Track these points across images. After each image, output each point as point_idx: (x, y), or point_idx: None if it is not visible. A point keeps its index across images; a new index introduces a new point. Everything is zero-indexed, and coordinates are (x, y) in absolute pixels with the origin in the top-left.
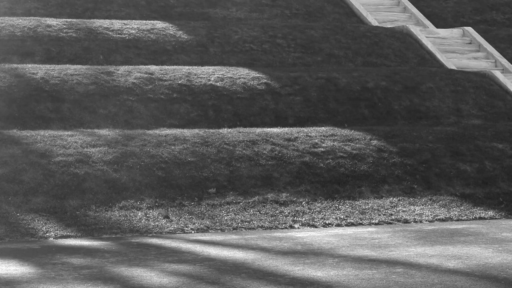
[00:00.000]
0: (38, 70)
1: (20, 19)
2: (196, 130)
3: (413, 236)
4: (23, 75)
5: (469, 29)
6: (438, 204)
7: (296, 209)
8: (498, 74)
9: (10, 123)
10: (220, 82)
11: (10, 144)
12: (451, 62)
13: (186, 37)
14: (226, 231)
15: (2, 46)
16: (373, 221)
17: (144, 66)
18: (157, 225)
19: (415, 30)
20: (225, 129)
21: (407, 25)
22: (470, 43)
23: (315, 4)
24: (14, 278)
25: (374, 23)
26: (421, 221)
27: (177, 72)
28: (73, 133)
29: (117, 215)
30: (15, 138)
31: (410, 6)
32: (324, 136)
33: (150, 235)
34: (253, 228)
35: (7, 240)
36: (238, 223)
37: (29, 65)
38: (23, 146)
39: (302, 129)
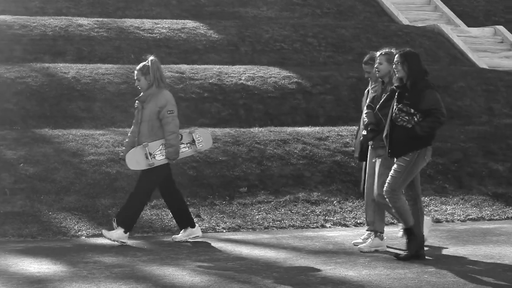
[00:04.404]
0: (70, 69)
1: (52, 18)
2: (227, 129)
3: (445, 235)
4: (54, 74)
5: (501, 27)
6: (470, 203)
7: (328, 208)
8: None
9: (42, 122)
10: (251, 81)
11: (42, 143)
12: (482, 61)
13: (217, 36)
14: (257, 230)
15: (34, 46)
16: None
17: (175, 66)
18: None
19: (446, 29)
20: (256, 128)
21: (438, 24)
22: (502, 42)
23: (346, 3)
24: (47, 276)
25: (405, 22)
26: (453, 221)
27: (208, 71)
28: (105, 132)
29: (149, 214)
30: (47, 137)
31: (441, 5)
32: (355, 135)
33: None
34: (284, 227)
35: (40, 239)
36: (270, 222)
37: (61, 65)
38: (55, 145)
39: (333, 128)
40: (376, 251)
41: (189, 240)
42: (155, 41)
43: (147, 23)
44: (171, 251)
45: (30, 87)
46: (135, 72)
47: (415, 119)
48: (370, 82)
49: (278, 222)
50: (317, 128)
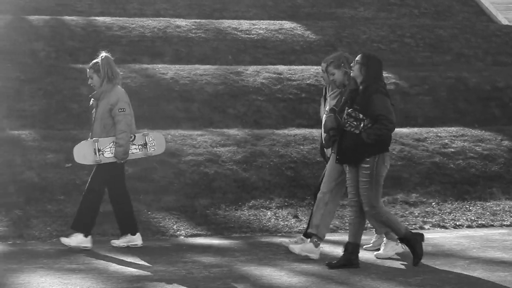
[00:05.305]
0: (168, 70)
1: (150, 20)
2: None
3: None
4: (153, 75)
5: None
6: None
7: (426, 209)
8: None
9: (141, 123)
10: None
11: None
12: None
13: (314, 37)
14: None
15: (133, 47)
16: (505, 223)
17: (273, 66)
18: (286, 224)
19: None
20: None
21: None
22: None
23: (444, 3)
24: (146, 275)
25: (505, 22)
26: None
27: (305, 72)
28: (203, 132)
29: (247, 214)
30: None
31: None
32: (454, 136)
33: (279, 234)
34: None
35: None
36: (367, 224)
37: (159, 65)
38: None
39: (431, 129)
40: (307, 256)
41: (130, 245)
42: (253, 42)
43: (244, 24)
44: (269, 251)
45: (129, 88)
46: (87, 70)
47: (362, 125)
48: (329, 87)
49: None
50: (415, 129)
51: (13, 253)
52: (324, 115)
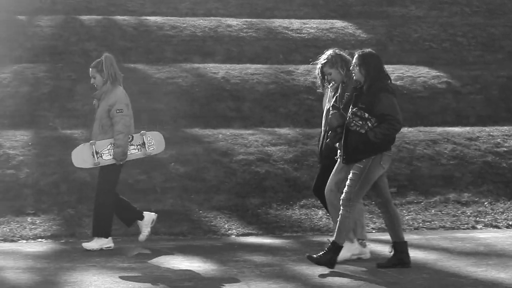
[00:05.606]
0: (219, 69)
1: (201, 19)
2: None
3: None
4: (204, 74)
5: None
6: None
7: (478, 209)
8: None
9: (193, 122)
10: (400, 81)
11: (193, 143)
12: None
13: (365, 36)
14: (407, 231)
15: (184, 46)
16: None
17: None
18: None
19: None
20: (406, 128)
21: None
22: None
23: (496, 2)
24: (197, 274)
25: None
26: None
27: None
28: (254, 131)
29: (298, 214)
30: (197, 137)
31: None
32: (506, 135)
33: (331, 234)
34: (434, 228)
35: (190, 237)
36: (419, 223)
37: (210, 65)
38: (205, 144)
39: (483, 128)
40: (359, 257)
41: (151, 226)
42: (304, 41)
43: (295, 23)
44: (320, 250)
45: (181, 87)
46: (90, 69)
47: (369, 124)
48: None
49: (428, 223)
50: (467, 128)
51: (66, 251)
52: (325, 111)
